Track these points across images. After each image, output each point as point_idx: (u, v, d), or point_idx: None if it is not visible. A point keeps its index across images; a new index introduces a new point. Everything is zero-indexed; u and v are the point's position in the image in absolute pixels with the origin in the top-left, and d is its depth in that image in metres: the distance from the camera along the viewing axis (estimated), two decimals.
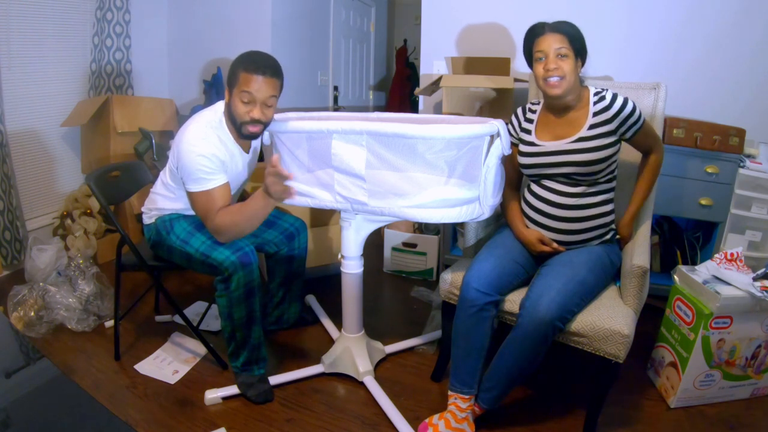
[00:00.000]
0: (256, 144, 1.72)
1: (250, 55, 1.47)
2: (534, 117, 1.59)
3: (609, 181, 1.52)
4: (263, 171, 2.08)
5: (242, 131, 1.51)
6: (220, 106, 1.57)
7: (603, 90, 1.49)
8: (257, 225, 1.53)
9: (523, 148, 1.57)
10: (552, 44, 1.42)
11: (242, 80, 1.44)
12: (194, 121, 1.53)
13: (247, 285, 1.54)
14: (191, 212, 1.62)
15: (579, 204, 1.49)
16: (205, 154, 1.47)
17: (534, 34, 1.48)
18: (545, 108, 1.58)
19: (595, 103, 1.47)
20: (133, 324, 2.08)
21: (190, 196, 1.53)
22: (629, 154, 1.63)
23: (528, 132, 1.58)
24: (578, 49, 1.44)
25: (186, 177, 1.50)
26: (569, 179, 1.49)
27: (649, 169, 1.55)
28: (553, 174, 1.51)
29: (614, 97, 1.45)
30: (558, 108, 1.52)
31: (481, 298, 1.42)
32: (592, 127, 1.46)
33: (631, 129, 1.46)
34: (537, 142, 1.53)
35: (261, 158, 1.82)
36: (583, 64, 1.48)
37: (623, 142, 1.52)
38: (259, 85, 1.44)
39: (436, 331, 2.02)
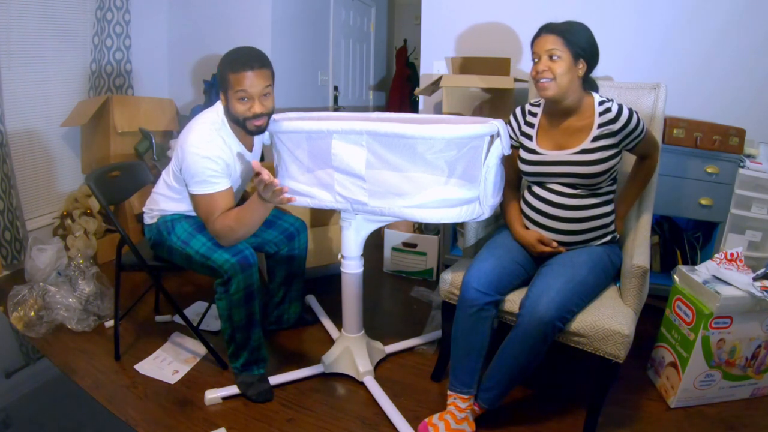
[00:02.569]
0: (258, 143, 1.71)
1: (232, 55, 1.46)
2: (535, 121, 1.57)
3: (610, 184, 1.52)
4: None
5: (248, 128, 1.51)
6: (220, 105, 1.57)
7: (608, 100, 1.46)
8: (255, 229, 1.52)
9: (524, 154, 1.56)
10: (545, 46, 1.41)
11: (233, 81, 1.44)
12: (198, 123, 1.53)
13: (246, 288, 1.54)
14: (194, 213, 1.62)
15: (580, 205, 1.49)
16: (210, 157, 1.47)
17: (535, 35, 1.46)
18: (546, 112, 1.56)
19: (600, 114, 1.45)
20: (133, 324, 2.08)
21: (193, 198, 1.54)
22: (631, 155, 1.62)
23: (529, 137, 1.56)
24: (577, 51, 1.40)
25: (190, 179, 1.49)
26: (570, 184, 1.49)
27: (643, 172, 1.59)
28: (554, 180, 1.51)
29: (620, 110, 1.42)
30: (557, 113, 1.50)
31: (481, 298, 1.42)
32: (595, 139, 1.44)
33: (633, 141, 1.46)
34: (539, 150, 1.52)
35: (262, 158, 1.82)
36: (588, 68, 1.44)
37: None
38: (250, 80, 1.43)
39: (436, 331, 2.02)
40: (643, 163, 1.57)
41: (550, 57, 1.40)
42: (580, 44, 1.41)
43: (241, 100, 1.45)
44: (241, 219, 1.47)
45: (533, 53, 1.45)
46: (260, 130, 1.52)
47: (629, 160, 1.71)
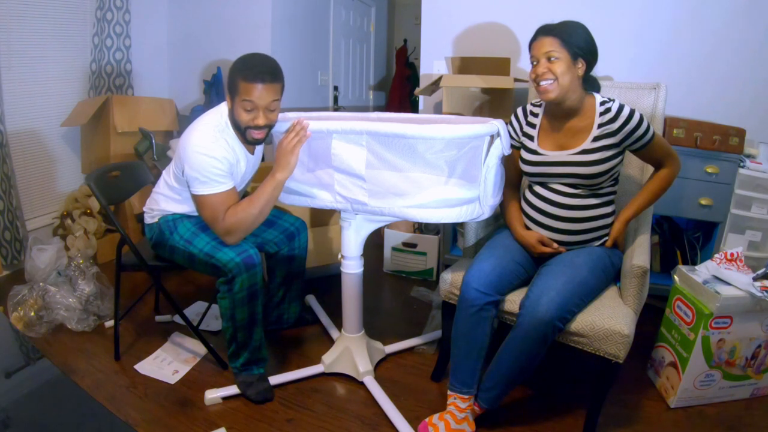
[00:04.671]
0: (260, 146, 1.72)
1: (246, 62, 1.44)
2: (536, 122, 1.57)
3: (612, 185, 1.52)
4: (265, 172, 2.09)
5: (247, 137, 1.51)
6: (224, 107, 1.56)
7: (610, 100, 1.45)
8: (267, 213, 1.53)
9: (525, 155, 1.56)
10: (542, 48, 1.40)
11: (242, 89, 1.42)
12: (201, 124, 1.52)
13: (250, 287, 1.54)
14: (196, 213, 1.62)
15: (581, 205, 1.49)
16: (215, 157, 1.46)
17: (531, 38, 1.45)
18: (547, 113, 1.56)
19: (600, 114, 1.44)
20: (133, 324, 2.09)
21: (197, 199, 1.52)
22: (632, 156, 1.62)
23: (530, 138, 1.56)
24: (575, 51, 1.39)
25: (194, 180, 1.48)
26: (571, 184, 1.49)
27: (657, 181, 1.50)
28: (556, 180, 1.51)
29: (620, 109, 1.41)
30: (559, 114, 1.50)
31: (481, 298, 1.42)
32: (596, 139, 1.44)
33: (637, 143, 1.44)
34: (540, 150, 1.52)
35: (262, 159, 1.82)
36: (588, 67, 1.43)
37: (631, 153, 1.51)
38: (259, 92, 1.42)
39: (436, 331, 2.02)
40: (658, 172, 1.51)
41: (548, 59, 1.39)
42: (578, 43, 1.40)
43: (246, 110, 1.45)
44: (254, 202, 1.49)
45: (531, 56, 1.45)
46: (258, 143, 1.53)
47: (632, 161, 1.71)
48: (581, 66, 1.42)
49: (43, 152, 2.75)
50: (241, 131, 1.51)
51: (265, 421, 1.55)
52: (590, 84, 1.50)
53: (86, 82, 2.85)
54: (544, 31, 1.42)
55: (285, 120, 1.54)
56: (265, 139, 1.53)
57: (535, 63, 1.44)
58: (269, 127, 1.51)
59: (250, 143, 1.55)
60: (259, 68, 1.42)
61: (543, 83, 1.41)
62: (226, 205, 1.50)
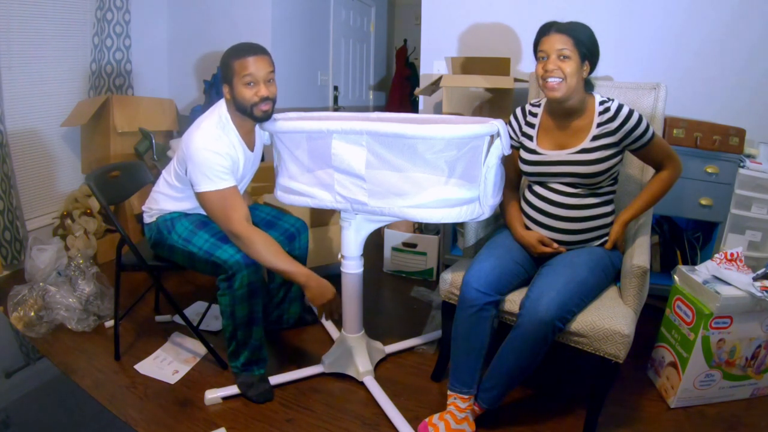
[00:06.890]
0: (260, 142, 1.72)
1: (235, 46, 1.52)
2: (536, 122, 1.57)
3: (611, 184, 1.52)
4: (265, 172, 2.09)
5: (255, 114, 1.52)
6: (221, 104, 1.58)
7: (609, 100, 1.45)
8: (271, 268, 1.55)
9: (524, 154, 1.56)
10: (554, 45, 1.38)
11: (238, 68, 1.48)
12: (204, 121, 1.54)
13: (250, 284, 1.54)
14: (194, 211, 1.62)
15: (580, 204, 1.49)
16: (219, 153, 1.48)
17: (541, 33, 1.44)
18: (547, 112, 1.55)
19: (600, 113, 1.44)
20: (133, 324, 2.08)
21: (203, 197, 1.51)
22: (632, 155, 1.62)
23: (530, 138, 1.56)
24: (584, 52, 1.39)
25: (198, 176, 1.48)
26: (571, 183, 1.49)
27: (657, 183, 1.49)
28: (555, 180, 1.51)
29: (619, 108, 1.41)
30: (560, 113, 1.49)
31: (481, 298, 1.42)
32: (595, 138, 1.44)
33: (636, 142, 1.44)
34: (539, 150, 1.52)
35: (262, 158, 1.82)
36: (592, 70, 1.44)
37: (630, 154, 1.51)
38: (255, 65, 1.48)
39: (436, 331, 2.02)
40: (658, 174, 1.50)
41: (559, 57, 1.38)
42: (587, 45, 1.40)
43: (247, 85, 1.48)
44: (278, 263, 1.50)
45: (540, 51, 1.42)
46: (267, 116, 1.54)
47: (632, 161, 1.71)
48: (587, 68, 1.42)
49: (43, 152, 2.74)
50: (248, 112, 1.52)
51: (265, 421, 1.55)
52: (587, 85, 1.50)
53: (86, 82, 2.85)
54: (557, 28, 1.40)
55: (285, 119, 1.54)
56: (271, 112, 1.54)
57: (544, 59, 1.41)
58: (272, 100, 1.53)
59: (259, 120, 1.55)
60: (247, 46, 1.51)
61: (551, 80, 1.39)
62: (234, 203, 1.50)
